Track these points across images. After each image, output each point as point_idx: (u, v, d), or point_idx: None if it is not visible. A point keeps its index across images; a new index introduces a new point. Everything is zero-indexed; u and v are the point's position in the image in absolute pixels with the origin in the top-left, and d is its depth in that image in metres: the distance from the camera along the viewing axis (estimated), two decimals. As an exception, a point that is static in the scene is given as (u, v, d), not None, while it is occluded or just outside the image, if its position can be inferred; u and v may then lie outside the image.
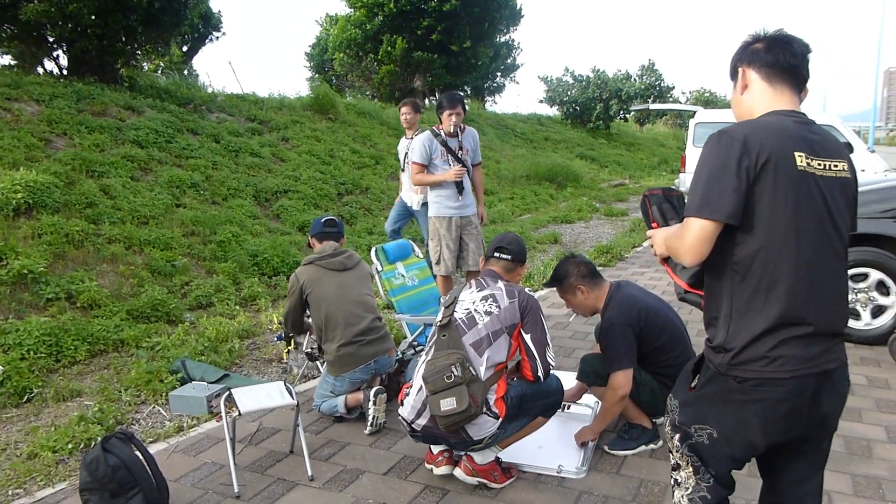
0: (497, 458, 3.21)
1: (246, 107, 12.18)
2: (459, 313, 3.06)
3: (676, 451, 2.03)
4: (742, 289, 1.82)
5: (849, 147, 12.17)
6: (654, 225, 2.30)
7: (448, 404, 2.80)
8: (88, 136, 8.32)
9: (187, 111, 10.68)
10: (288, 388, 3.47)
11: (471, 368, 2.90)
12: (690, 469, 2.00)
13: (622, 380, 3.24)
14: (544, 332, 3.12)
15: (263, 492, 3.19)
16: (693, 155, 13.22)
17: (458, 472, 3.17)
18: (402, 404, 3.09)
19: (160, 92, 10.97)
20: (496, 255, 3.33)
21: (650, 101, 29.00)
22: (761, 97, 1.92)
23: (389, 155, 13.14)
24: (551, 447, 3.49)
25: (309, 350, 4.30)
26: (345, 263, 3.95)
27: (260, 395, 3.37)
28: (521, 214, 13.07)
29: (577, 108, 27.45)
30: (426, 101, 21.39)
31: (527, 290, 3.24)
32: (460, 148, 5.23)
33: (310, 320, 4.07)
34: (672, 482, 2.10)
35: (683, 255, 1.82)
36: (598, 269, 8.11)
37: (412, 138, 6.20)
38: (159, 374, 4.54)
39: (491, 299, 3.08)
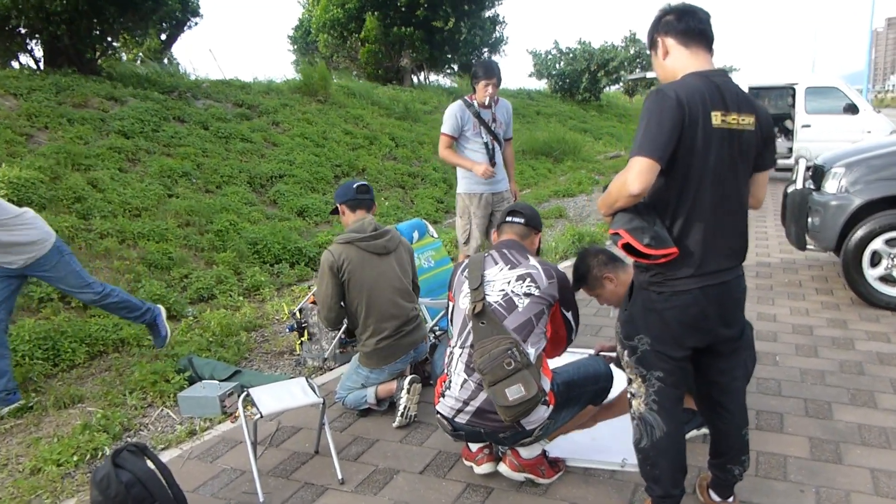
0: (544, 452, 2.96)
1: (232, 92, 11.77)
2: (494, 296, 2.77)
3: (628, 368, 2.45)
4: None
5: (853, 108, 11.93)
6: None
7: (516, 392, 2.53)
8: (71, 129, 7.95)
9: (172, 99, 10.27)
10: (310, 384, 3.19)
11: (525, 353, 2.63)
12: (640, 379, 2.41)
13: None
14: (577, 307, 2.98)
15: (291, 499, 2.93)
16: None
17: (503, 468, 2.91)
18: (440, 400, 2.81)
19: (142, 80, 10.55)
20: (509, 219, 3.07)
21: (638, 70, 28.63)
22: (681, 59, 2.29)
23: (383, 135, 12.79)
24: (604, 438, 3.23)
25: (341, 337, 4.00)
26: (387, 246, 3.58)
27: (280, 394, 3.09)
28: (522, 190, 12.75)
29: (566, 80, 27.05)
30: (415, 78, 20.99)
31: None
32: (493, 120, 4.85)
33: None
34: (629, 396, 2.49)
35: (630, 184, 2.10)
36: (609, 242, 8.12)
37: None
38: (165, 373, 4.25)
39: (528, 279, 2.80)
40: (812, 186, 5.63)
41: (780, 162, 12.89)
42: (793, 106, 12.55)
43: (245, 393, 3.10)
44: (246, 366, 4.70)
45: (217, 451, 3.41)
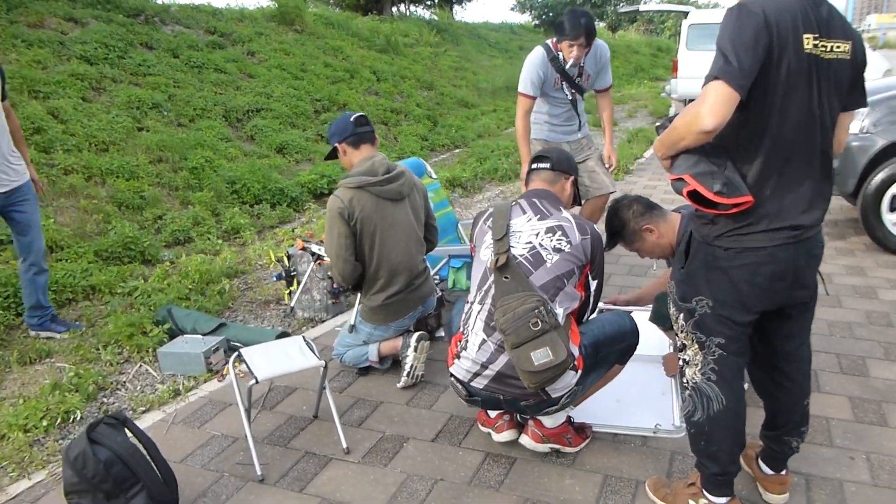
0: (569, 418, 2.68)
1: (203, 18, 11.00)
2: (519, 248, 2.44)
3: (682, 332, 2.15)
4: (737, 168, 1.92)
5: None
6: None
7: (542, 356, 2.22)
8: (27, 52, 7.28)
9: (138, 23, 9.53)
10: (308, 344, 2.86)
11: (553, 312, 2.32)
12: (696, 346, 2.11)
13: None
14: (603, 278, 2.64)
15: (292, 471, 2.62)
16: (686, 59, 12.51)
17: (525, 440, 2.63)
18: (455, 362, 2.50)
19: (103, 1, 9.75)
20: (534, 165, 2.70)
21: (623, 4, 27.83)
22: None
23: (364, 68, 12.17)
24: (630, 400, 2.96)
25: (335, 288, 3.64)
26: (401, 192, 3.16)
27: (276, 355, 2.76)
28: (507, 128, 12.31)
29: (550, 14, 26.21)
30: (395, 9, 20.11)
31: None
32: (580, 74, 4.16)
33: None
34: (681, 364, 2.21)
35: (703, 118, 1.77)
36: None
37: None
38: (142, 325, 3.88)
39: (560, 232, 2.47)
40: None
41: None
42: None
43: (236, 353, 2.76)
44: (229, 316, 4.35)
45: (204, 414, 3.09)
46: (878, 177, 4.79)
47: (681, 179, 1.93)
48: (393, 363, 3.36)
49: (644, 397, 2.95)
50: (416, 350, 3.14)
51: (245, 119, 8.48)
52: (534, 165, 2.70)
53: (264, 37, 11.45)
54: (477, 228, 2.61)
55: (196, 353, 3.47)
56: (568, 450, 2.63)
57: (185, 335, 3.76)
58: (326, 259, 3.97)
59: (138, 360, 3.69)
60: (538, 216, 2.52)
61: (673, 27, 40.90)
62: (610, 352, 2.59)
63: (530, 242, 2.44)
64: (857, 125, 4.87)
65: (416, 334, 3.17)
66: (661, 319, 2.98)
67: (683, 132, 1.87)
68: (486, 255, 2.49)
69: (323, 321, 4.12)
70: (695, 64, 12.42)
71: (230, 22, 11.34)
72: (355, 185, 3.02)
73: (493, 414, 2.72)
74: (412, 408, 3.05)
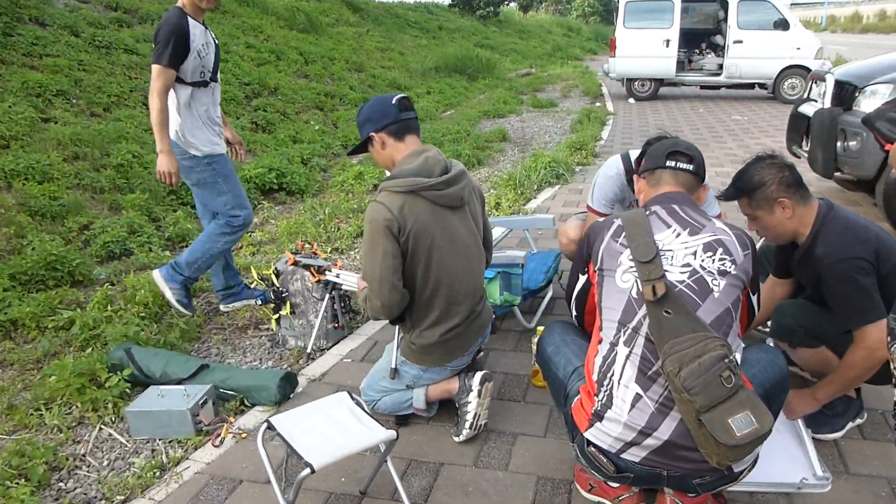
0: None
1: (101, -9, 9.69)
2: (676, 273, 1.84)
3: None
4: None
5: (784, 24, 11.60)
6: (887, 147, 2.02)
7: (745, 424, 1.63)
8: None
9: (24, -5, 8.21)
10: (358, 403, 2.16)
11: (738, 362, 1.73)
12: None
13: (877, 336, 2.17)
14: None
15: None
16: (623, 37, 12.26)
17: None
18: (596, 425, 1.87)
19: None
20: (670, 163, 2.09)
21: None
22: None
23: (289, 49, 11.19)
24: (772, 452, 2.37)
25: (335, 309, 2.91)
26: (462, 196, 2.43)
27: (322, 425, 2.03)
28: (445, 110, 11.67)
29: (464, -7, 25.64)
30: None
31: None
32: None
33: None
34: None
35: None
36: (579, 169, 7.32)
37: None
38: (94, 373, 3.02)
39: (721, 250, 1.88)
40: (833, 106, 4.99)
41: (710, 80, 12.52)
42: (724, 20, 12.09)
43: (265, 424, 2.02)
44: (198, 350, 3.53)
45: (211, 499, 2.32)
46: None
47: None
48: (440, 405, 2.69)
49: (777, 447, 2.40)
50: (479, 395, 2.48)
51: (168, 106, 7.42)
52: (669, 163, 2.08)
53: (175, 14, 10.25)
54: (602, 245, 1.98)
55: (180, 411, 2.67)
56: (709, 520, 2.06)
57: (156, 384, 2.93)
58: (322, 275, 3.24)
59: (96, 421, 2.85)
60: (687, 230, 1.91)
61: (580, 7, 41.35)
62: (780, 402, 2.04)
63: (689, 265, 1.84)
64: (879, 103, 4.55)
65: (479, 375, 2.51)
66: (785, 335, 2.45)
67: None
68: (626, 280, 1.87)
69: (322, 351, 3.38)
70: (632, 42, 12.21)
71: (134, -3, 10.06)
72: (406, 188, 2.29)
73: (614, 483, 2.11)
74: (484, 469, 2.39)
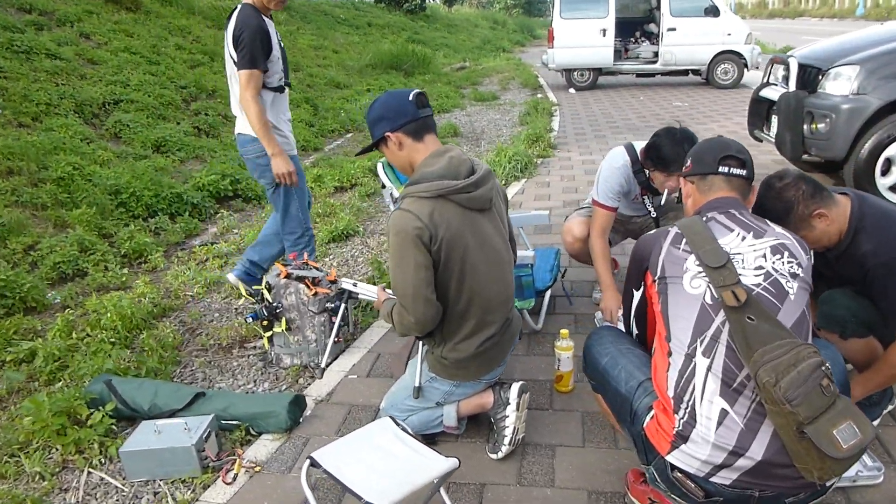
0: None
1: (12, -7, 9.03)
2: (750, 277, 1.73)
3: None
4: None
5: (714, 10, 11.88)
6: None
7: (849, 434, 1.52)
8: None
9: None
10: (402, 427, 1.97)
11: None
12: None
13: None
14: None
15: None
16: (560, 28, 12.31)
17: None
18: (680, 447, 1.73)
19: None
20: (723, 169, 1.96)
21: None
22: None
23: (221, 48, 10.65)
24: None
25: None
26: (490, 197, 2.24)
27: (370, 457, 1.83)
28: (388, 108, 11.42)
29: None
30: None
31: None
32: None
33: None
34: None
35: None
36: (540, 161, 7.22)
37: None
38: (74, 410, 2.71)
39: (787, 253, 1.78)
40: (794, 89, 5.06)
41: (646, 67, 12.72)
42: (657, 8, 12.29)
43: (308, 461, 1.81)
44: (180, 375, 3.24)
45: (234, 545, 2.09)
46: (871, 139, 4.57)
47: None
48: (469, 421, 2.52)
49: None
50: (517, 408, 2.32)
51: (103, 114, 6.96)
52: (722, 168, 1.95)
53: (96, 16, 9.67)
54: (660, 254, 1.84)
55: (184, 448, 2.41)
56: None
57: (145, 418, 2.65)
58: (318, 287, 3.03)
59: (82, 464, 2.55)
60: (751, 233, 1.81)
61: (503, 0, 41.62)
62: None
63: (761, 268, 1.73)
64: (846, 86, 4.61)
65: (517, 386, 2.35)
66: (837, 325, 2.38)
67: None
68: (697, 286, 1.74)
69: (322, 368, 3.15)
70: (570, 33, 12.27)
71: (48, -1, 9.42)
72: (434, 193, 2.09)
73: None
74: (530, 487, 2.24)
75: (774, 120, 5.22)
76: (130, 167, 5.74)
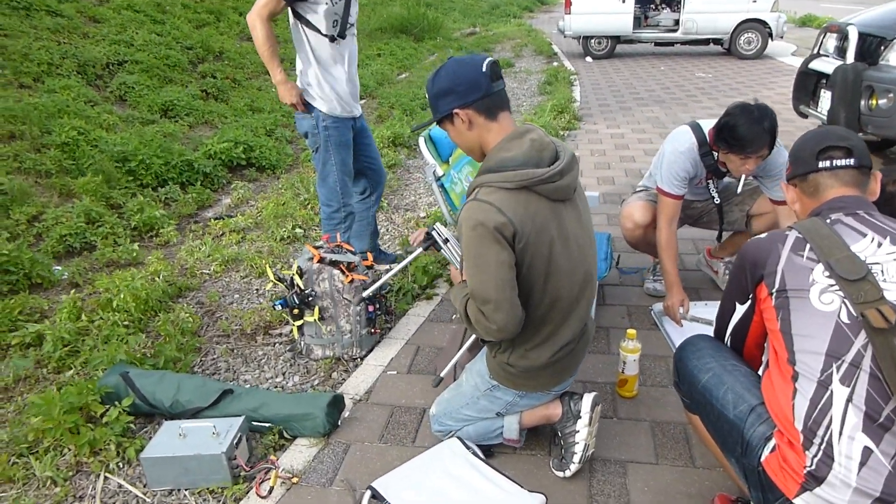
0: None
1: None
2: (894, 291, 1.46)
3: None
4: None
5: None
6: None
7: None
8: None
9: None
10: (475, 452, 1.72)
11: None
12: None
13: None
14: None
15: None
16: (579, -8, 11.83)
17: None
18: (814, 490, 1.45)
19: None
20: (823, 163, 1.66)
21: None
22: None
23: (228, 9, 10.29)
24: None
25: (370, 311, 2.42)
26: (574, 186, 1.94)
27: (443, 488, 1.59)
28: (400, 73, 11.04)
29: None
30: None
31: None
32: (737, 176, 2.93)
33: None
34: None
35: None
36: (566, 134, 6.88)
37: None
38: (88, 407, 2.46)
39: None
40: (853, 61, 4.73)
41: (666, 36, 12.30)
42: (680, -26, 11.82)
43: (369, 492, 1.56)
44: (200, 365, 2.98)
45: (276, 573, 1.85)
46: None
47: None
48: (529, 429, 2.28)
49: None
50: (589, 422, 2.07)
51: (106, 75, 6.61)
52: (823, 164, 1.67)
53: (96, -29, 9.23)
54: (780, 263, 1.56)
55: (213, 455, 2.17)
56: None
57: (170, 417, 2.41)
58: (354, 273, 2.75)
59: (97, 468, 2.30)
60: (888, 238, 1.52)
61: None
62: None
63: None
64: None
65: (589, 398, 2.09)
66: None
67: None
68: (829, 302, 1.47)
69: (355, 361, 2.90)
70: (588, -1, 11.82)
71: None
72: (518, 184, 1.79)
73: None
74: (607, 509, 2.01)
75: (824, 94, 4.91)
76: (138, 132, 5.43)
